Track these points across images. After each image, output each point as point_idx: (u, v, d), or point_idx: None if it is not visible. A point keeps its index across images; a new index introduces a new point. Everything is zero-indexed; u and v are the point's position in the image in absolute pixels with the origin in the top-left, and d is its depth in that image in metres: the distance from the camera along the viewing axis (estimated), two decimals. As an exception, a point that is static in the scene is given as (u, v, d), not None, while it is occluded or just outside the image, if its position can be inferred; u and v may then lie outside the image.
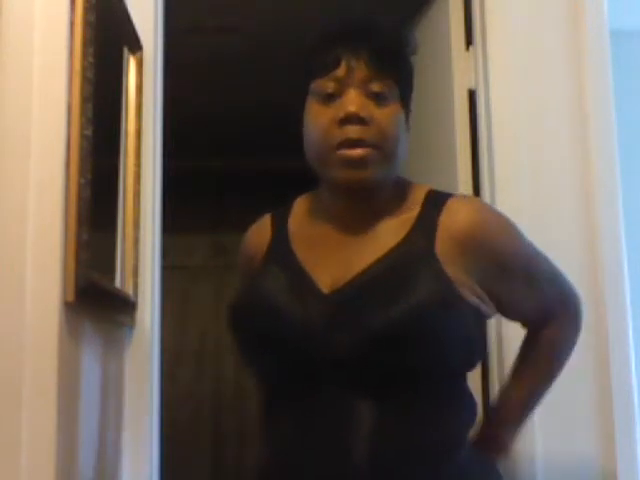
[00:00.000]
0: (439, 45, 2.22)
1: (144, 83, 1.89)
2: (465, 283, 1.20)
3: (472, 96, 2.09)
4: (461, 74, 2.12)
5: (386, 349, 1.14)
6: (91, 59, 1.45)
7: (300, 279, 1.24)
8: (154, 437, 1.85)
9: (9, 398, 1.29)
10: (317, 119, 1.23)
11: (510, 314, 1.36)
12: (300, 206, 1.38)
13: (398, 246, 1.22)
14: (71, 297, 1.35)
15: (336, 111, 1.21)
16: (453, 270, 1.19)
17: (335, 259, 1.25)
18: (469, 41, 2.13)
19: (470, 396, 1.28)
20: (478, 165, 2.05)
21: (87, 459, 1.50)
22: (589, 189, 1.97)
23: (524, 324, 1.39)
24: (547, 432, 1.85)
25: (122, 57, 1.80)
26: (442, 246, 1.21)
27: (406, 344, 1.14)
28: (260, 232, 1.38)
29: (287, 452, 1.20)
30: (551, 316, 1.35)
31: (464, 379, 1.28)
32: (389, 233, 1.24)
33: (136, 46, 1.86)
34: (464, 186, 2.06)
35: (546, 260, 1.34)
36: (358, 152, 1.19)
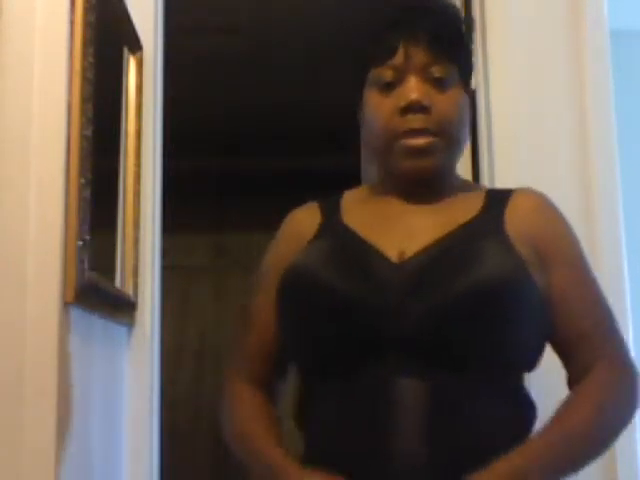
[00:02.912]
0: (439, 45, 2.22)
1: (144, 83, 1.89)
2: (535, 265, 1.16)
3: (472, 96, 2.09)
4: (461, 74, 2.12)
5: (458, 320, 1.08)
6: (91, 59, 1.45)
7: (361, 250, 1.17)
8: (154, 437, 1.85)
9: (9, 398, 1.29)
10: (377, 109, 1.20)
11: (562, 323, 1.18)
12: (351, 193, 1.33)
13: (469, 223, 1.19)
14: (71, 297, 1.35)
15: (397, 100, 1.18)
16: (524, 251, 1.15)
17: (399, 230, 1.20)
18: (469, 41, 2.13)
19: (530, 402, 1.20)
20: (478, 165, 2.05)
21: (87, 459, 1.50)
22: (589, 189, 1.96)
23: (569, 355, 1.20)
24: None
25: (122, 57, 1.80)
26: (512, 225, 1.18)
27: (479, 315, 1.08)
28: (308, 213, 1.31)
29: (327, 438, 1.12)
30: (599, 359, 1.16)
31: (522, 380, 1.20)
32: (457, 210, 1.21)
33: (136, 46, 1.87)
34: (464, 186, 2.06)
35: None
36: (422, 141, 1.17)
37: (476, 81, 2.08)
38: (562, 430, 1.11)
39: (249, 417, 1.23)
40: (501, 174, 1.97)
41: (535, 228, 1.20)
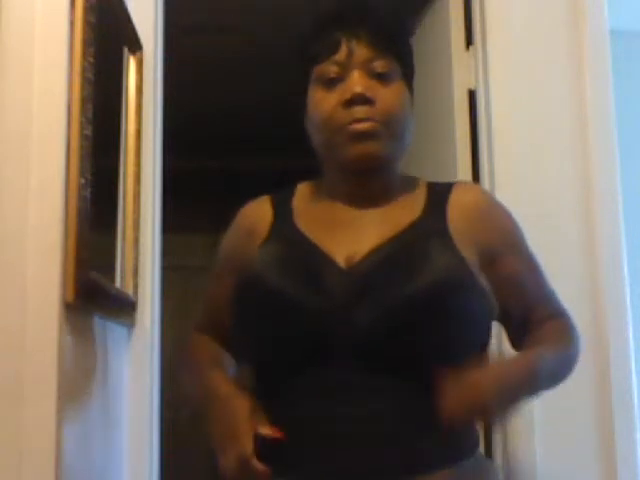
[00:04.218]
0: (439, 45, 2.22)
1: (144, 83, 1.89)
2: (476, 265, 1.18)
3: (472, 96, 2.09)
4: (461, 74, 2.12)
5: (404, 324, 1.09)
6: (91, 59, 1.45)
7: (311, 255, 1.19)
8: (154, 437, 1.85)
9: (10, 398, 1.29)
10: (322, 104, 1.21)
11: (512, 303, 1.24)
12: (303, 189, 1.34)
13: (413, 224, 1.21)
14: (71, 297, 1.35)
15: (341, 94, 1.20)
16: (465, 251, 1.18)
17: (347, 235, 1.21)
18: (469, 41, 2.13)
19: None
20: (478, 165, 2.05)
21: (87, 459, 1.50)
22: (589, 189, 1.97)
23: (524, 322, 1.26)
24: (547, 438, 1.85)
25: (122, 57, 1.80)
26: (454, 225, 1.21)
27: (425, 319, 1.10)
28: (260, 208, 1.33)
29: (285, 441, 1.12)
30: (551, 318, 1.27)
31: None
32: (402, 211, 1.23)
33: (136, 46, 1.87)
34: (464, 186, 2.06)
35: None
36: (367, 125, 1.18)
37: (476, 81, 2.08)
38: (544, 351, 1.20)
39: (198, 345, 1.34)
40: (501, 174, 1.97)
41: (477, 226, 1.23)
